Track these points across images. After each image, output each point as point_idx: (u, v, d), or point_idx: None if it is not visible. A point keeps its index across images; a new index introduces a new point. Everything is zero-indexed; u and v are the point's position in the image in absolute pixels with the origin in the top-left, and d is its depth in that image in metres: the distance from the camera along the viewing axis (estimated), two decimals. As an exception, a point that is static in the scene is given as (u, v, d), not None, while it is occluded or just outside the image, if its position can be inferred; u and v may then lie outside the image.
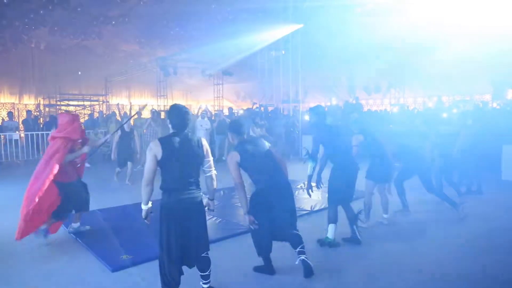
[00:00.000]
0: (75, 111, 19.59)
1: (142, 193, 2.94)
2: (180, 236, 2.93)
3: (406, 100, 17.89)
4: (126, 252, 4.19)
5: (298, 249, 3.63)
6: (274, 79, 15.93)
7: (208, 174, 3.17)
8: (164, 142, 2.92)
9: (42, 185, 4.24)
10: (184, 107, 3.08)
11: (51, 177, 4.30)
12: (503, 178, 8.35)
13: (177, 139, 2.95)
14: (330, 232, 4.40)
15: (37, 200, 4.21)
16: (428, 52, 13.74)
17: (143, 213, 3.00)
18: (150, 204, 2.99)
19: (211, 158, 3.17)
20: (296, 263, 3.64)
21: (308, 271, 3.57)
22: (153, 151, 2.89)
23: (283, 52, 16.11)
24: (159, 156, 2.87)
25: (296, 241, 3.65)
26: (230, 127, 3.80)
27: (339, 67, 17.82)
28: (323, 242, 4.43)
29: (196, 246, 3.03)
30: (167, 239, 2.93)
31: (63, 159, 4.44)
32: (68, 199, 4.63)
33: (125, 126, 8.10)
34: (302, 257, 3.60)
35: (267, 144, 3.77)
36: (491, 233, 4.94)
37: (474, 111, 7.72)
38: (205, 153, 3.09)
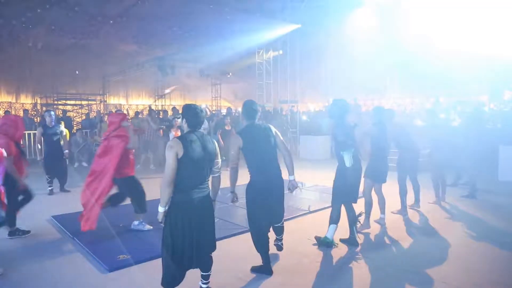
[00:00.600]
0: (72, 110, 19.58)
1: (162, 194, 2.87)
2: (189, 236, 2.91)
3: (404, 101, 17.92)
4: (123, 252, 4.18)
5: (278, 237, 4.05)
6: (272, 79, 15.93)
7: (216, 175, 3.17)
8: (184, 140, 2.91)
9: (108, 182, 4.80)
10: (197, 106, 3.11)
11: (114, 174, 4.81)
12: (500, 179, 8.37)
13: (194, 138, 2.96)
14: (330, 232, 4.37)
15: (102, 196, 4.78)
16: (426, 54, 13.76)
17: (160, 216, 2.93)
18: (167, 207, 2.94)
19: (219, 159, 3.18)
20: (274, 244, 4.00)
21: (280, 249, 4.08)
22: (175, 149, 2.85)
23: (281, 52, 16.12)
24: (180, 154, 2.85)
25: (280, 231, 4.03)
26: (243, 108, 3.83)
27: (337, 68, 17.84)
28: (321, 242, 4.41)
29: (205, 246, 3.02)
30: (173, 241, 2.90)
31: (120, 156, 4.82)
32: (130, 192, 5.07)
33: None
34: (280, 243, 4.07)
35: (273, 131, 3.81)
36: (488, 234, 4.95)
37: (472, 112, 7.70)
38: (217, 152, 3.11)
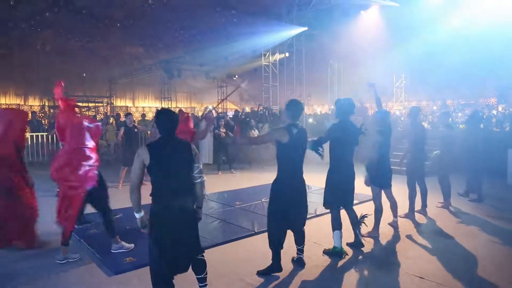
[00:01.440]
0: (79, 112, 19.68)
1: (131, 201, 2.89)
2: (170, 245, 2.86)
3: (410, 103, 17.81)
4: (129, 255, 4.19)
5: (299, 247, 3.99)
6: (278, 81, 15.93)
7: (197, 181, 3.04)
8: (152, 148, 2.87)
9: None
10: (171, 111, 3.04)
11: None
12: (509, 183, 8.28)
13: (165, 145, 2.90)
14: (336, 240, 4.27)
15: None
16: (433, 56, 13.69)
17: (138, 223, 2.93)
18: (143, 212, 2.92)
19: (200, 164, 3.10)
20: (294, 260, 4.00)
21: (302, 265, 3.98)
22: (141, 157, 2.84)
23: (287, 54, 16.12)
24: (147, 163, 2.83)
25: (302, 239, 3.97)
26: (287, 107, 3.82)
27: (343, 70, 17.80)
28: (331, 253, 4.28)
29: (188, 251, 2.98)
30: (156, 250, 2.86)
31: None
32: None
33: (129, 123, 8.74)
34: (302, 255, 4.01)
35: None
36: (496, 239, 4.89)
37: (471, 115, 7.62)
38: (194, 158, 3.00)
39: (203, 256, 3.09)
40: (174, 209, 2.87)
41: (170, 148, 2.90)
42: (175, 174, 2.90)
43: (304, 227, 3.97)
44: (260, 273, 3.76)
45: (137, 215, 2.90)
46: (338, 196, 4.36)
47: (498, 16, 11.05)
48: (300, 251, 4.01)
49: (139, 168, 2.86)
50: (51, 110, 19.01)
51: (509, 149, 8.47)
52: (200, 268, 3.08)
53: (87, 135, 4.23)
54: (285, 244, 3.85)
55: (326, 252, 4.34)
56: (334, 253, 4.26)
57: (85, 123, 4.27)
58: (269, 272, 3.76)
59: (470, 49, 12.41)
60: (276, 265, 3.76)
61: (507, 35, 10.88)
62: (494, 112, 13.55)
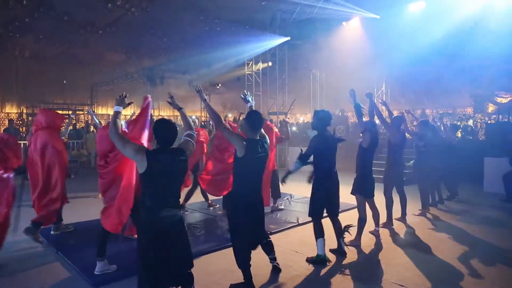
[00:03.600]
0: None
1: (114, 125, 2.96)
2: (161, 257, 2.79)
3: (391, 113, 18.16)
4: (111, 264, 4.09)
5: (271, 256, 4.03)
6: (261, 90, 16.02)
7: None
8: (150, 155, 2.80)
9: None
10: (171, 121, 3.01)
11: None
12: (485, 190, 8.51)
13: (163, 155, 2.85)
14: (320, 248, 4.30)
15: None
16: (413, 66, 14.03)
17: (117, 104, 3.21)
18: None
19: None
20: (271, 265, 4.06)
21: (278, 272, 4.03)
22: (140, 155, 2.77)
23: (270, 63, 16.25)
24: (143, 169, 2.78)
25: (271, 248, 4.01)
26: (250, 119, 3.62)
27: (325, 79, 18.04)
28: (315, 261, 4.30)
29: (179, 265, 2.92)
30: (144, 262, 2.78)
31: None
32: None
33: None
34: (275, 263, 4.06)
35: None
36: (473, 246, 5.00)
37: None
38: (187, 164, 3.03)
39: (190, 270, 3.03)
40: (164, 222, 2.80)
41: (167, 159, 2.83)
42: (167, 185, 2.85)
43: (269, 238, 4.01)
44: (232, 287, 3.65)
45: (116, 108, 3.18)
46: (324, 206, 4.42)
47: (474, 28, 11.43)
48: (273, 259, 4.02)
49: (133, 148, 2.81)
50: (30, 118, 18.58)
51: (485, 158, 8.72)
52: (188, 283, 3.03)
53: None
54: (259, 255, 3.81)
55: (309, 260, 4.36)
56: (318, 261, 4.29)
57: None
58: None
59: (447, 60, 12.80)
60: (248, 285, 3.62)
61: (483, 47, 11.27)
62: (470, 121, 13.97)
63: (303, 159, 4.37)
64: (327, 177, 4.40)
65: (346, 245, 4.69)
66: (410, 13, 12.69)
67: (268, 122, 6.76)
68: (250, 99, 4.14)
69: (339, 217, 4.56)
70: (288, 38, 15.00)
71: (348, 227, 4.57)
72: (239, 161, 3.53)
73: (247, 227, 3.60)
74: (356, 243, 4.94)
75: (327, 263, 4.27)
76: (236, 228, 3.67)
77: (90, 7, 12.38)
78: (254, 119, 3.63)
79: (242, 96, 4.23)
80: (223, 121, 3.69)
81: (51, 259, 4.49)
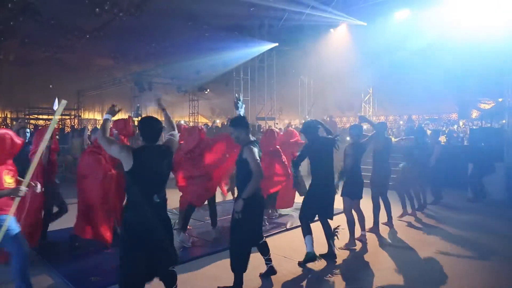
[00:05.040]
0: (44, 125, 19.04)
1: (102, 131, 3.00)
2: (144, 254, 2.81)
3: (378, 118, 18.40)
4: (95, 274, 4.04)
5: (266, 257, 4.02)
6: (250, 96, 16.08)
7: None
8: (136, 153, 2.83)
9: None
10: (156, 118, 3.04)
11: None
12: (469, 195, 8.64)
13: (148, 152, 2.90)
14: (308, 245, 4.34)
15: None
16: (399, 73, 14.25)
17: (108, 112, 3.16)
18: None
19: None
20: (264, 272, 4.03)
21: (273, 273, 4.03)
22: (124, 153, 2.81)
23: (258, 69, 16.32)
24: (128, 166, 2.80)
25: (266, 249, 4.02)
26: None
27: (313, 85, 18.20)
28: (305, 260, 4.33)
29: (162, 261, 2.94)
30: (129, 259, 2.81)
31: None
32: None
33: None
34: (271, 264, 4.05)
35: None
36: (457, 249, 5.08)
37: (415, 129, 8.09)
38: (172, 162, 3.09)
39: (173, 267, 3.04)
40: (150, 219, 2.82)
41: (152, 156, 2.88)
42: (153, 183, 2.88)
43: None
44: None
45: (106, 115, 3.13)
46: (317, 209, 4.49)
47: (459, 37, 11.67)
48: (268, 260, 4.01)
49: (120, 148, 2.87)
50: (14, 122, 18.27)
51: (469, 163, 8.87)
52: (172, 280, 3.03)
53: None
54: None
55: (300, 263, 4.40)
56: (308, 259, 4.32)
57: None
58: None
59: (433, 67, 13.02)
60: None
61: (468, 54, 11.51)
62: (455, 127, 14.22)
63: (294, 165, 4.51)
64: (320, 180, 4.46)
65: (342, 249, 4.81)
66: (396, 21, 12.90)
67: (292, 129, 7.20)
68: (240, 107, 4.14)
69: (328, 220, 4.61)
70: (277, 44, 15.11)
71: (337, 228, 4.62)
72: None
73: (248, 228, 3.59)
74: (351, 245, 5.02)
75: (318, 259, 4.32)
76: (238, 231, 3.59)
77: (78, 11, 12.29)
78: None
79: (234, 100, 4.38)
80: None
81: (36, 266, 4.41)
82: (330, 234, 4.56)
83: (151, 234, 2.83)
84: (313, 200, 4.46)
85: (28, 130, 7.18)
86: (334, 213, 6.01)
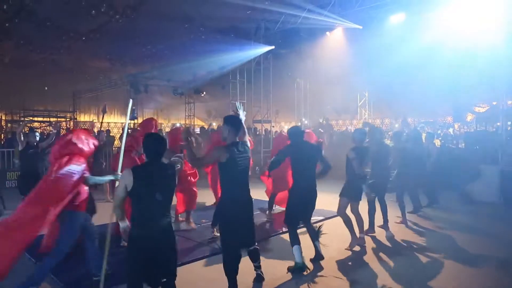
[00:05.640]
0: (40, 127, 18.97)
1: (115, 214, 2.95)
2: (150, 270, 2.82)
3: (374, 121, 18.46)
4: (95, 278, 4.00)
5: (256, 264, 4.01)
6: (246, 98, 16.08)
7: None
8: (137, 172, 2.82)
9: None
10: (159, 135, 3.03)
11: None
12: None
13: (151, 169, 2.87)
14: (296, 255, 4.32)
15: None
16: (394, 76, 14.31)
17: (121, 230, 2.99)
18: (127, 222, 2.93)
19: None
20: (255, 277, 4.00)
21: (261, 280, 4.01)
22: (125, 180, 2.81)
23: (254, 72, 16.33)
24: (129, 187, 2.78)
25: (257, 256, 4.01)
26: (228, 122, 3.71)
27: (309, 88, 18.24)
28: (294, 270, 4.32)
29: (165, 275, 2.94)
30: (134, 274, 2.83)
31: None
32: None
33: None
34: (260, 271, 4.04)
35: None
36: (453, 252, 5.10)
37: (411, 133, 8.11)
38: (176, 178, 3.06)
39: (174, 279, 3.04)
40: (156, 237, 2.81)
41: (155, 173, 2.85)
42: (157, 200, 2.84)
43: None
44: None
45: (121, 224, 2.95)
46: (299, 212, 4.50)
47: (454, 41, 11.75)
48: (257, 267, 4.02)
49: (122, 191, 2.83)
50: (8, 125, 18.16)
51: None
52: None
53: None
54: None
55: (290, 269, 4.38)
56: (296, 269, 4.31)
57: None
58: None
59: (429, 70, 13.10)
60: None
61: (463, 58, 11.60)
62: (451, 130, 14.30)
63: (272, 167, 4.57)
64: (300, 183, 4.47)
65: (346, 249, 4.93)
66: (391, 24, 12.97)
67: (309, 130, 7.48)
68: (241, 113, 4.13)
69: (324, 223, 4.65)
70: (273, 47, 15.13)
71: (320, 228, 4.68)
72: (223, 166, 3.56)
73: (237, 231, 3.60)
74: (353, 245, 5.08)
75: (306, 270, 4.29)
76: (226, 233, 3.64)
77: (74, 13, 12.24)
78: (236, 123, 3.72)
79: (234, 110, 4.31)
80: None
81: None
82: (315, 235, 4.59)
83: (158, 250, 2.84)
84: (294, 204, 4.49)
85: (37, 133, 7.34)
86: (330, 216, 6.07)
